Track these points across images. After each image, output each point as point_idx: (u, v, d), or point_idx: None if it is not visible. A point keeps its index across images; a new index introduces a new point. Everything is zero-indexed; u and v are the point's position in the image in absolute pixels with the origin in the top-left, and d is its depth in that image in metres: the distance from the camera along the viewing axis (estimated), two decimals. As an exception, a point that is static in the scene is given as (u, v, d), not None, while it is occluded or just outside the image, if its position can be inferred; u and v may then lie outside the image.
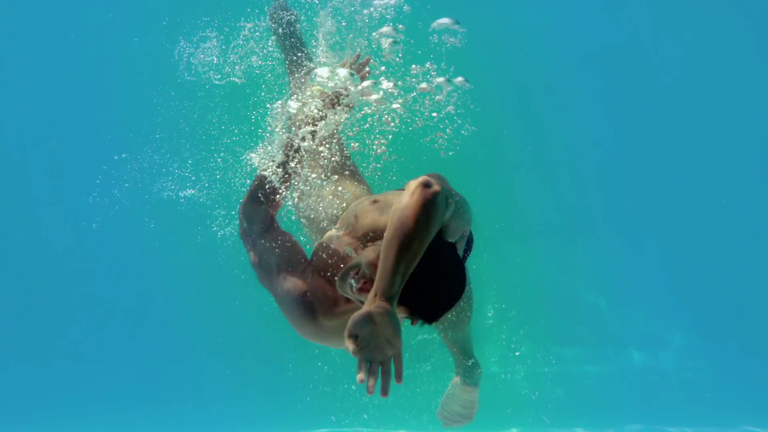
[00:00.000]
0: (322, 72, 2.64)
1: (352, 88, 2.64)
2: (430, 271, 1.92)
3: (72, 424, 7.68)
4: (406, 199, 1.87)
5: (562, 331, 8.61)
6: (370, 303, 1.76)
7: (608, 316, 9.03)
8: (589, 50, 8.48)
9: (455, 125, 2.87)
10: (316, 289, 2.25)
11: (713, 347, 9.08)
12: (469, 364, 3.02)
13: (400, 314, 1.95)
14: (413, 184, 1.91)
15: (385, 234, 1.87)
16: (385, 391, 1.63)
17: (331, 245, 2.33)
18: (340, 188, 2.82)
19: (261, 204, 2.47)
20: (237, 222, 2.57)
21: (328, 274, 2.29)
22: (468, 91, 2.87)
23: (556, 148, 8.73)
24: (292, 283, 2.27)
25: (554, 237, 8.83)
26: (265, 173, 2.52)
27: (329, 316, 2.17)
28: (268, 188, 2.50)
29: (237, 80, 3.18)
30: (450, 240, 2.15)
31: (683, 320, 9.22)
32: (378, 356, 1.67)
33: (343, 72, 2.59)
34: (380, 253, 1.86)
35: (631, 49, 8.63)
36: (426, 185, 1.88)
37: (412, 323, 2.04)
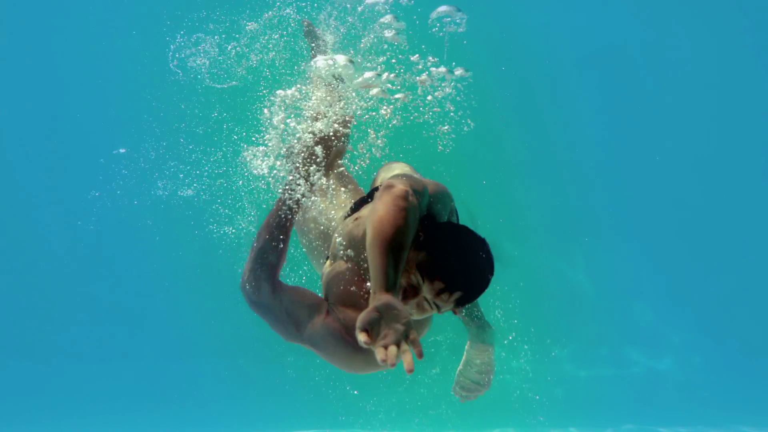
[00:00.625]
0: (320, 62, 2.65)
1: (351, 81, 2.65)
2: (454, 254, 2.05)
3: (72, 424, 7.68)
4: (376, 203, 2.04)
5: (559, 330, 8.61)
6: (372, 300, 1.87)
7: (606, 316, 9.03)
8: (588, 49, 8.48)
9: (457, 116, 2.88)
10: (348, 320, 2.28)
11: (710, 347, 9.08)
12: (481, 324, 3.04)
13: (447, 307, 2.07)
14: (380, 191, 2.07)
15: (366, 240, 1.99)
16: (409, 368, 1.70)
17: (338, 274, 2.39)
18: (342, 189, 2.84)
19: (262, 273, 2.45)
20: (242, 278, 2.53)
21: (353, 290, 2.33)
22: (467, 87, 2.88)
23: (556, 148, 8.74)
24: (323, 325, 2.30)
25: (553, 237, 8.84)
26: (260, 244, 2.51)
27: None
28: (266, 257, 2.47)
29: (236, 83, 3.18)
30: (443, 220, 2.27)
31: (681, 321, 9.22)
32: (391, 339, 1.78)
33: (342, 59, 2.60)
34: (368, 256, 1.97)
35: (631, 49, 8.64)
36: (389, 187, 2.03)
37: (455, 313, 2.15)
